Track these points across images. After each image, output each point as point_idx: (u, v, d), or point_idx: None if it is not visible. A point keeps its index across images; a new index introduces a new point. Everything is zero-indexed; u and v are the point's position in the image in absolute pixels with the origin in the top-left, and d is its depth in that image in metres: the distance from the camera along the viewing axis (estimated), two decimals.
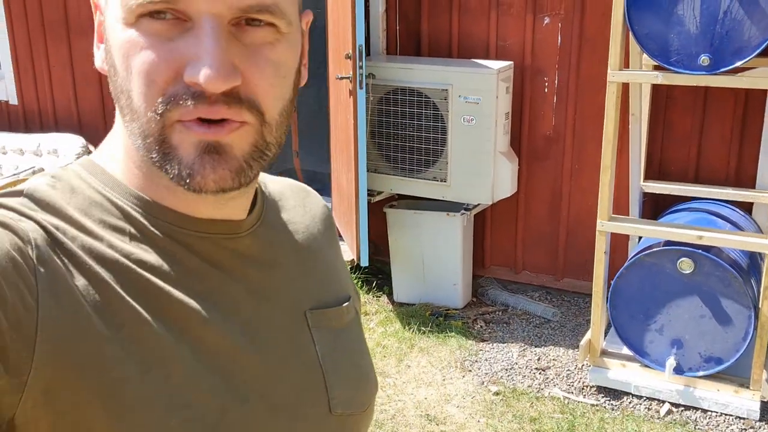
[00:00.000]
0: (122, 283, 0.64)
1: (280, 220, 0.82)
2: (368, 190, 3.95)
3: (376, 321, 3.87)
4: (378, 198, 4.12)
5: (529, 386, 3.28)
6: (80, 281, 0.62)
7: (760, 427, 2.93)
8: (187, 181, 0.63)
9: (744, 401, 2.98)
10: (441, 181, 3.85)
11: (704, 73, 2.81)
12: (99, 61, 0.70)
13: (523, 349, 3.57)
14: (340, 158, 4.04)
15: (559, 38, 3.82)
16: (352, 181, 3.76)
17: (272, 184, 0.86)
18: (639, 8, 2.86)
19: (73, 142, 4.71)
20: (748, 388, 2.98)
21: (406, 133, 3.88)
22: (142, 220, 0.68)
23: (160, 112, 0.62)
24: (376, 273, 4.29)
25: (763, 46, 2.71)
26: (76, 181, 0.69)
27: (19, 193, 0.66)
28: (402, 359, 3.51)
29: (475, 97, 3.68)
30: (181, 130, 0.63)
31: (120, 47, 0.63)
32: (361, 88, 3.63)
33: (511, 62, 3.82)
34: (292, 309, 0.77)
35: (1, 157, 4.85)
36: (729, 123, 3.57)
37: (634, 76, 3.08)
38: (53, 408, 0.59)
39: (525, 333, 3.72)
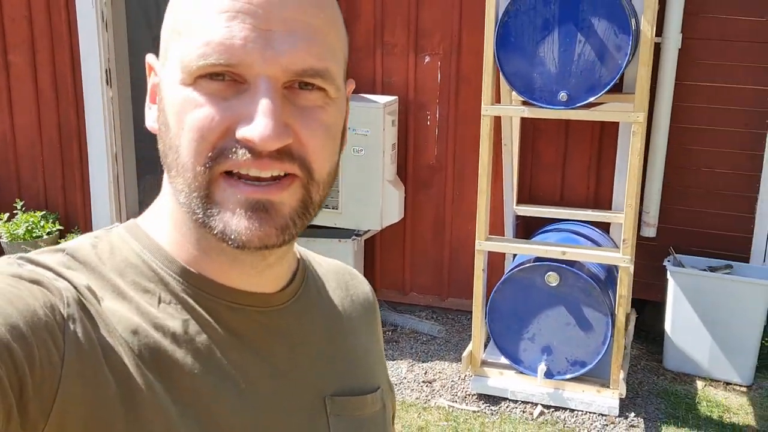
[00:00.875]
0: (140, 348, 0.64)
1: (318, 299, 0.81)
2: None
3: None
4: None
5: (417, 398, 3.51)
6: (104, 342, 0.62)
7: (619, 422, 3.28)
8: (232, 237, 0.64)
9: (605, 399, 3.32)
10: (333, 208, 4.07)
11: (563, 107, 3.17)
12: (150, 121, 0.72)
13: (412, 365, 3.81)
14: None
15: (439, 75, 4.15)
16: None
17: (317, 263, 0.86)
18: (506, 50, 3.21)
19: None
20: (608, 387, 3.33)
21: None
22: (174, 285, 0.69)
23: (209, 166, 0.64)
24: None
25: (612, 84, 3.10)
26: (117, 242, 0.71)
27: (61, 251, 0.68)
28: None
29: (364, 129, 3.93)
30: (225, 187, 0.64)
31: (174, 104, 0.65)
32: None
33: (396, 97, 4.12)
34: (312, 392, 0.75)
35: None
36: (588, 152, 3.99)
37: (504, 110, 3.43)
38: None
39: (413, 350, 3.96)
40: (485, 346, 3.64)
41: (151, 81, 0.72)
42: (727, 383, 3.65)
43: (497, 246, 3.42)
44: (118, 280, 0.67)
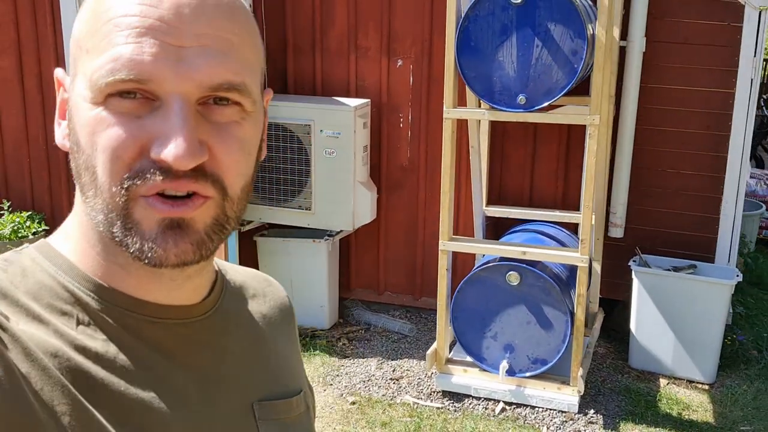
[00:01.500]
0: (64, 371, 0.63)
1: (237, 308, 0.82)
2: None
3: None
4: (248, 227, 4.37)
5: (383, 395, 3.58)
6: (23, 368, 0.60)
7: (578, 419, 3.34)
8: (149, 255, 0.64)
9: (565, 397, 3.38)
10: (306, 209, 4.15)
11: (522, 110, 3.24)
12: (60, 138, 0.71)
13: (381, 363, 3.88)
14: None
15: (411, 79, 4.23)
16: None
17: (234, 272, 0.86)
18: (467, 54, 3.28)
19: None
20: (568, 384, 3.39)
21: (273, 165, 4.16)
22: (92, 304, 0.68)
23: (125, 186, 0.63)
24: None
25: (569, 87, 3.17)
26: (28, 264, 0.69)
27: None
28: None
29: (335, 131, 4.01)
30: (144, 206, 0.64)
31: (86, 125, 0.64)
32: None
33: (368, 100, 4.19)
34: (240, 399, 0.76)
35: None
36: (555, 154, 4.06)
37: (465, 113, 3.50)
38: None
39: (384, 348, 4.04)
40: (453, 345, 3.71)
41: (59, 97, 0.71)
42: (690, 381, 3.71)
43: (460, 246, 3.49)
44: (32, 304, 0.66)
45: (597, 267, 3.91)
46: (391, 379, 3.72)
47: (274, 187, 4.19)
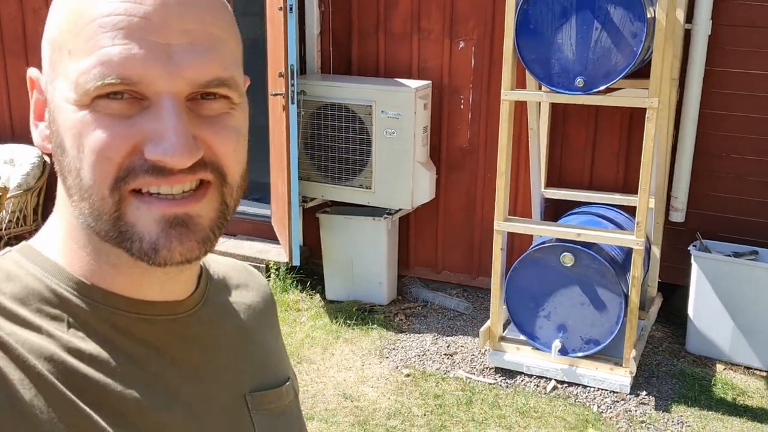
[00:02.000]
0: (59, 375, 0.63)
1: (223, 299, 0.82)
2: (302, 197, 4.35)
3: (307, 316, 4.25)
4: (311, 204, 4.52)
5: (437, 369, 3.68)
6: (16, 375, 0.60)
7: (629, 399, 3.37)
8: (152, 255, 0.63)
9: (617, 377, 3.41)
10: (366, 188, 4.26)
11: (580, 93, 3.26)
12: (39, 139, 0.69)
13: (436, 338, 3.98)
14: (276, 168, 4.43)
15: (473, 61, 4.27)
16: (285, 188, 4.15)
17: (216, 264, 0.85)
18: (526, 37, 3.31)
19: (29, 152, 5.02)
20: (621, 366, 3.42)
21: (336, 145, 4.29)
22: (81, 306, 0.67)
23: (116, 187, 0.62)
24: (311, 274, 4.67)
25: (627, 70, 3.17)
26: (12, 268, 0.67)
27: None
28: (327, 348, 3.89)
29: (396, 112, 4.10)
30: (137, 205, 0.63)
31: (71, 127, 0.63)
32: (293, 103, 4.03)
33: (430, 82, 4.26)
34: (232, 391, 0.76)
35: None
36: (617, 137, 4.05)
37: (523, 95, 3.53)
38: None
39: (439, 325, 4.13)
40: (507, 325, 3.78)
41: (34, 97, 0.70)
42: (748, 367, 3.68)
43: (515, 227, 3.55)
44: (20, 309, 0.64)
45: (656, 251, 3.91)
46: (445, 354, 3.81)
47: (336, 165, 4.31)
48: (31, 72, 0.70)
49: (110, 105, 0.61)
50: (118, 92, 0.61)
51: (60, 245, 0.70)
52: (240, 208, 5.05)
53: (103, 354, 0.66)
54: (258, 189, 5.38)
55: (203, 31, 0.63)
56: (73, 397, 0.62)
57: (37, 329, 0.64)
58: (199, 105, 0.64)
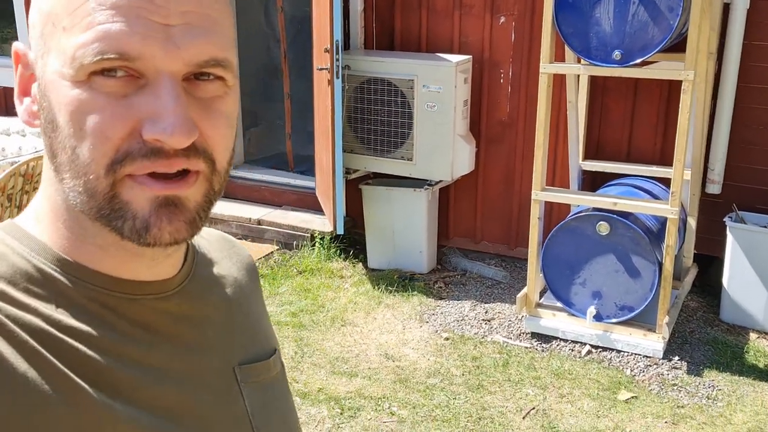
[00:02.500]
0: (53, 351, 0.63)
1: (208, 273, 0.82)
2: (345, 169, 4.51)
3: (350, 283, 4.43)
4: (354, 176, 4.68)
5: (475, 333, 3.83)
6: (8, 349, 0.61)
7: (662, 364, 3.48)
8: (143, 234, 0.64)
9: (651, 342, 3.52)
10: (408, 160, 4.40)
11: (617, 66, 3.35)
12: (24, 115, 0.69)
13: (474, 305, 4.12)
14: (321, 140, 4.59)
15: (513, 35, 4.36)
16: (330, 160, 4.31)
17: (199, 237, 0.82)
18: (564, 11, 3.40)
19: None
20: (654, 332, 3.53)
21: (378, 118, 4.43)
22: (68, 285, 0.67)
23: (113, 168, 0.62)
24: (354, 243, 4.84)
25: (664, 44, 3.25)
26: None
27: None
28: (369, 312, 4.07)
29: (437, 86, 4.22)
30: (132, 185, 0.63)
31: (67, 104, 0.62)
32: (337, 78, 4.18)
33: (470, 56, 4.37)
34: (221, 365, 0.77)
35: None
36: (655, 109, 4.12)
37: (561, 68, 3.62)
38: None
39: (478, 292, 4.28)
40: (543, 293, 3.90)
41: (19, 72, 0.69)
42: None
43: (552, 196, 3.66)
44: (9, 289, 0.65)
45: (692, 222, 3.98)
46: (483, 319, 3.96)
47: (378, 138, 4.46)
48: (17, 46, 0.69)
49: (107, 83, 0.61)
50: (113, 68, 0.61)
51: (46, 224, 0.69)
52: (285, 180, 5.29)
53: (93, 332, 0.66)
54: (303, 161, 5.56)
55: (201, 14, 0.64)
56: (68, 371, 0.63)
57: (26, 308, 0.64)
58: (195, 86, 0.64)
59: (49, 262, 0.68)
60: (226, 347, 0.78)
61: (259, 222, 4.96)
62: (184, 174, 0.64)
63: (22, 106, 0.69)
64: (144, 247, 0.65)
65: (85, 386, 0.63)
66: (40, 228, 0.70)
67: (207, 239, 0.87)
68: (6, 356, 0.60)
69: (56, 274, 0.67)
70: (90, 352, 0.65)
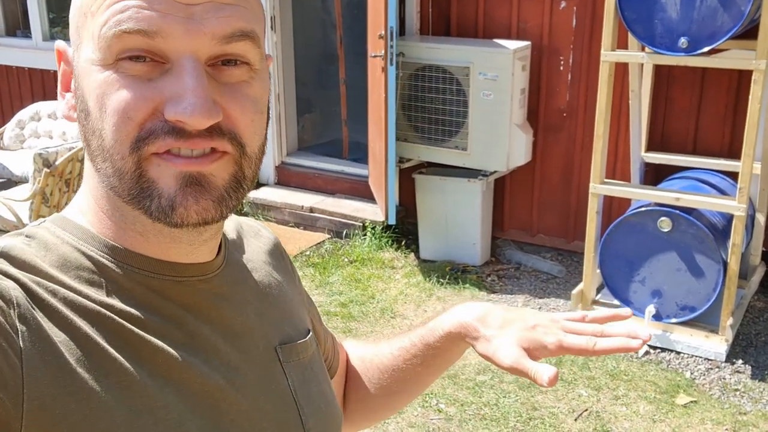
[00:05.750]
0: (103, 334, 0.65)
1: (240, 258, 0.83)
2: (399, 158, 4.44)
3: (402, 273, 4.37)
4: (408, 165, 4.60)
5: None
6: (62, 336, 0.62)
7: (724, 367, 3.32)
8: (169, 213, 0.64)
9: (713, 345, 3.36)
10: (462, 149, 4.30)
11: (683, 54, 3.18)
12: (65, 109, 0.71)
13: (528, 300, 4.02)
14: (374, 128, 4.53)
15: (574, 21, 4.20)
16: (383, 149, 4.25)
17: (226, 222, 0.85)
18: None
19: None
20: (717, 333, 3.36)
21: (433, 106, 4.34)
22: (116, 270, 0.69)
23: (136, 146, 0.63)
24: (406, 234, 4.77)
25: (734, 31, 3.06)
26: (49, 238, 0.69)
27: None
28: (420, 305, 4.00)
29: (493, 74, 4.10)
30: (158, 163, 0.64)
31: (96, 88, 0.64)
32: (391, 65, 4.10)
33: (529, 42, 4.23)
34: (264, 345, 0.79)
35: (44, 124, 5.36)
36: (723, 100, 3.91)
37: (624, 56, 3.46)
38: None
39: (532, 287, 4.16)
40: (600, 289, 3.77)
41: (61, 69, 0.72)
42: None
43: (611, 190, 3.51)
44: (61, 275, 0.66)
45: (761, 218, 3.78)
46: None
47: (432, 127, 4.37)
48: (59, 44, 0.71)
49: (134, 67, 0.63)
50: (140, 55, 0.62)
51: (91, 215, 0.71)
52: (338, 168, 5.25)
53: (142, 315, 0.68)
54: (356, 149, 5.51)
55: None
56: (119, 356, 0.65)
57: (78, 292, 0.66)
58: (220, 71, 0.65)
59: (96, 249, 0.70)
60: (266, 328, 0.80)
61: (311, 210, 4.94)
62: (207, 153, 0.65)
63: (63, 101, 0.71)
64: (174, 228, 0.66)
65: (137, 371, 0.65)
66: (85, 219, 0.72)
67: (234, 223, 0.88)
68: (59, 344, 0.62)
69: (104, 260, 0.69)
70: (142, 335, 0.67)
